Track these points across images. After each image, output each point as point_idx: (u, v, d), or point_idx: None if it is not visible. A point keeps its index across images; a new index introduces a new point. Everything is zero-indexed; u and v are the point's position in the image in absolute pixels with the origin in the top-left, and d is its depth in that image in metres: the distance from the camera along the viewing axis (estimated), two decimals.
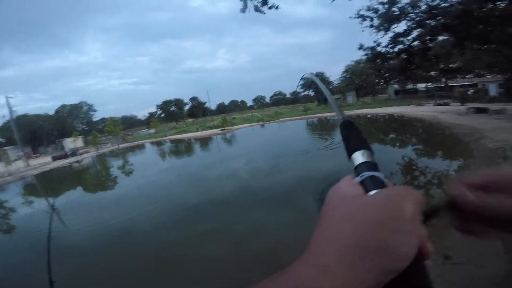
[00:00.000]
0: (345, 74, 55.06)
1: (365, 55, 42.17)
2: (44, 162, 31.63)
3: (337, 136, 20.55)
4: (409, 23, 20.45)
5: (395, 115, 27.00)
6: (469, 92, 22.53)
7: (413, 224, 0.25)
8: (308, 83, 70.15)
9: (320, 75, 66.34)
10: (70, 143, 40.87)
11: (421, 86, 39.14)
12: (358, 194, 0.29)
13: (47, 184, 21.50)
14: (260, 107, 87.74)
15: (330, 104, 0.54)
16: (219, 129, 39.26)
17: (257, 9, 14.03)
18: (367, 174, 0.32)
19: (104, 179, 20.72)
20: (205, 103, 79.48)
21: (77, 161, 30.03)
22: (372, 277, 0.23)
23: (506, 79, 18.55)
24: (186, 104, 77.20)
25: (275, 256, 5.43)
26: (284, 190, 10.22)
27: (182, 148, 31.38)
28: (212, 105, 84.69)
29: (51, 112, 52.60)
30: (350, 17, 21.07)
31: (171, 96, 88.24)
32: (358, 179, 0.32)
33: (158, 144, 36.74)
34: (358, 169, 0.34)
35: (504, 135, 10.52)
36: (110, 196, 14.72)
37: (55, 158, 33.19)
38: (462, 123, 14.66)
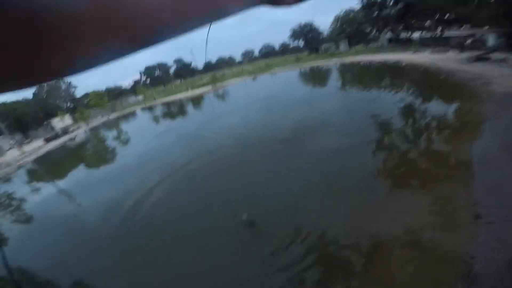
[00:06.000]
0: (335, 24, 52.66)
1: (361, 2, 39.24)
2: (37, 146, 30.50)
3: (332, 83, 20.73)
4: None
5: (390, 62, 24.93)
6: (467, 42, 22.04)
7: None
8: (298, 33, 66.51)
9: (309, 26, 63.75)
10: (58, 122, 39.61)
11: (415, 35, 38.21)
12: None
13: (49, 168, 20.56)
14: (250, 61, 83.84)
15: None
16: (210, 86, 37.70)
17: None
18: None
19: (103, 152, 19.95)
20: (191, 63, 76.32)
21: (71, 139, 29.09)
22: None
23: (507, 31, 18.35)
24: (170, 67, 74.49)
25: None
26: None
27: (174, 110, 30.18)
28: (199, 65, 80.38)
29: (29, 96, 50.48)
30: None
31: (153, 61, 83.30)
32: None
33: (150, 109, 35.56)
34: None
35: None
36: (113, 169, 14.05)
37: (47, 140, 31.97)
38: (465, 69, 14.38)
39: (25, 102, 48.30)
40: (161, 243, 6.15)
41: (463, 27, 27.68)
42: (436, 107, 10.37)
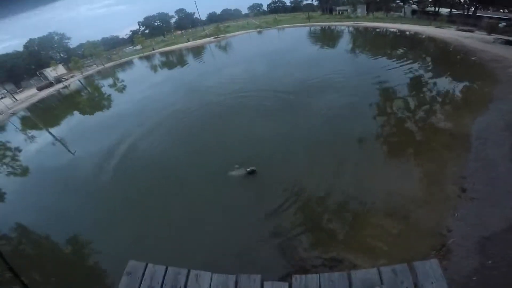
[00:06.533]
0: None
1: None
2: (30, 94, 29.82)
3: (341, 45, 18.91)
4: None
5: (409, 32, 22.46)
6: (500, 25, 20.12)
7: None
8: None
9: None
10: (51, 72, 38.35)
11: (444, 10, 34.38)
12: None
13: (42, 114, 20.03)
14: (256, 14, 77.65)
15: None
16: (212, 37, 35.49)
17: None
18: None
19: (98, 99, 19.44)
20: (193, 13, 71.22)
21: (65, 87, 28.30)
22: None
23: None
24: (172, 17, 69.94)
25: None
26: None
27: (173, 59, 28.97)
28: (202, 16, 74.98)
29: (20, 49, 47.69)
30: None
31: (152, 13, 78.19)
32: None
33: (147, 58, 33.98)
34: None
35: None
36: (108, 116, 13.78)
37: (40, 89, 31.23)
38: (488, 50, 13.40)
39: (15, 54, 46.74)
40: (156, 188, 6.35)
41: (500, 10, 25.28)
42: (446, 82, 10.02)
